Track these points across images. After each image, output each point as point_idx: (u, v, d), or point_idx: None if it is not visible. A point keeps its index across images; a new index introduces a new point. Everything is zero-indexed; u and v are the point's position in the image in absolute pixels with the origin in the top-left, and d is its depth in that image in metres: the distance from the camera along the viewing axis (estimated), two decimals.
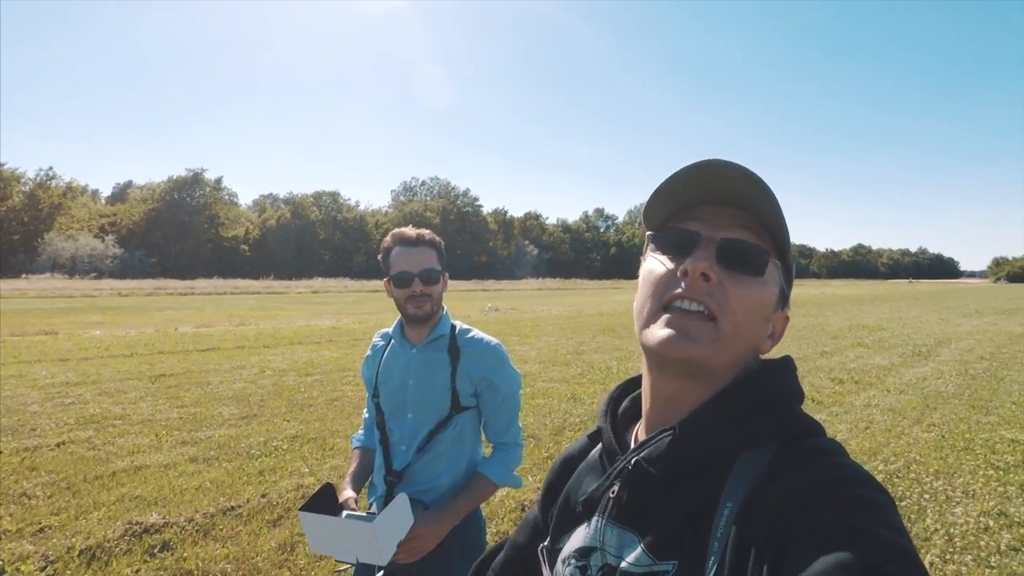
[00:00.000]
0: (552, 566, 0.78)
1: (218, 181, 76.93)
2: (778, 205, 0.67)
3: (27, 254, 57.01)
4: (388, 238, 1.79)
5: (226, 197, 78.96)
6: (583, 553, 0.73)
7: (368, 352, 1.93)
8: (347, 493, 1.71)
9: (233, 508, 3.88)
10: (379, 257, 1.81)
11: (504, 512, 3.85)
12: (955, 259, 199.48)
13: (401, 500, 1.54)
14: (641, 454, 0.68)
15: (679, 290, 0.65)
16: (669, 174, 0.67)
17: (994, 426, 6.11)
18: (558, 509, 0.83)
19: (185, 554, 3.30)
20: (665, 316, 0.65)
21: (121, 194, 78.52)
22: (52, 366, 9.04)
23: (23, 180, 62.65)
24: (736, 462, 0.62)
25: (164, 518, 3.68)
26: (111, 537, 3.42)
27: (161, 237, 68.07)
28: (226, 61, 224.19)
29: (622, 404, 0.80)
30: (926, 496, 4.31)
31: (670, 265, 0.67)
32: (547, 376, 8.67)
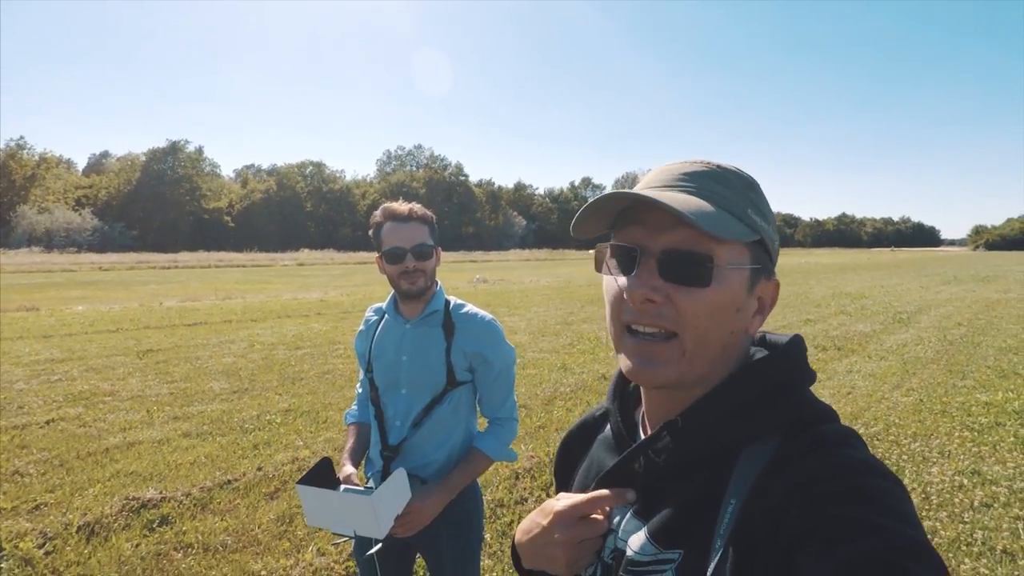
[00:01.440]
0: None
1: (199, 151, 75.39)
2: (723, 189, 0.65)
3: (1, 228, 55.70)
4: (378, 213, 1.77)
5: (208, 168, 77.49)
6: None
7: (361, 327, 1.92)
8: (347, 469, 1.72)
9: (230, 482, 3.92)
10: (370, 233, 1.79)
11: (499, 480, 3.93)
12: (936, 228, 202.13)
13: (399, 475, 1.56)
14: (650, 447, 0.68)
15: (633, 315, 0.64)
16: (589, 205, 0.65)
17: (970, 390, 6.30)
18: (577, 481, 0.84)
19: (184, 527, 3.34)
20: (628, 341, 0.65)
21: (97, 165, 76.61)
22: (36, 343, 8.94)
23: None
24: (742, 453, 0.62)
25: (161, 493, 3.71)
26: (109, 513, 3.45)
27: (141, 209, 66.81)
28: (206, 30, 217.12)
29: (632, 383, 0.80)
30: (904, 457, 4.47)
31: (619, 283, 0.66)
32: (537, 347, 8.74)
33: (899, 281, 22.55)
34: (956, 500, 3.72)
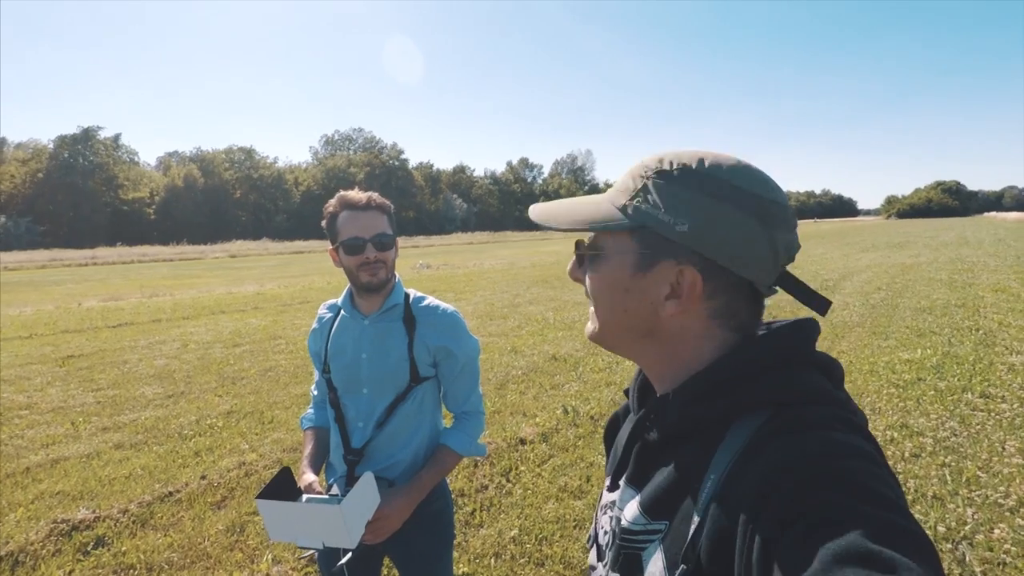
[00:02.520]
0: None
1: (116, 139, 70.42)
2: (626, 181, 0.72)
3: None
4: (333, 202, 1.66)
5: (125, 156, 72.54)
6: (612, 506, 0.76)
7: (314, 325, 1.81)
8: (307, 477, 1.63)
9: (171, 494, 3.69)
10: (323, 223, 1.68)
11: (458, 469, 3.87)
12: (854, 199, 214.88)
13: (367, 479, 1.48)
14: (644, 419, 0.72)
15: None
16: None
17: (893, 349, 6.76)
18: (609, 459, 0.88)
19: (124, 548, 3.11)
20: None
21: None
22: None
23: None
24: (728, 429, 0.62)
25: (94, 512, 3.44)
26: (35, 539, 3.17)
27: (50, 202, 61.95)
28: (119, 10, 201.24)
29: None
30: None
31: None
32: (486, 330, 8.69)
33: (824, 250, 23.81)
34: (889, 453, 3.97)
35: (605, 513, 0.78)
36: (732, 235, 0.64)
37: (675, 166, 0.67)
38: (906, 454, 3.94)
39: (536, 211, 0.79)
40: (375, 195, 1.67)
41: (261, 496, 1.41)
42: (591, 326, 0.76)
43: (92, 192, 64.71)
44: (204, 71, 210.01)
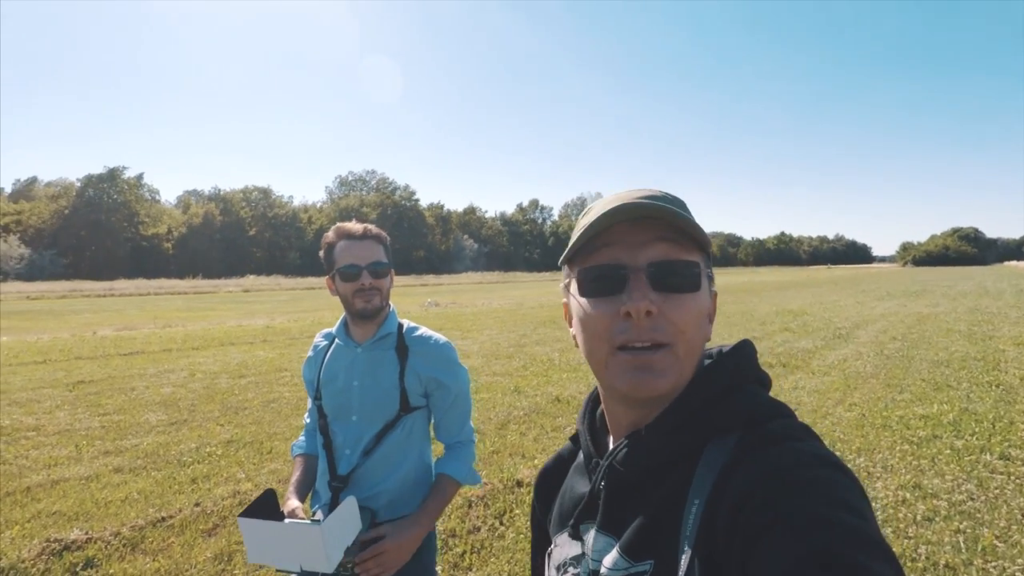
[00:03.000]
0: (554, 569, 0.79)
1: (138, 178, 72.70)
2: (679, 200, 0.70)
3: None
4: (331, 233, 1.71)
5: (147, 195, 74.66)
6: (576, 561, 0.73)
7: (309, 353, 1.84)
8: (292, 503, 1.62)
9: (164, 519, 3.67)
10: (321, 254, 1.73)
11: (451, 509, 3.80)
12: (868, 245, 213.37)
13: (349, 503, 1.48)
14: (614, 459, 0.69)
15: (628, 334, 0.64)
16: (589, 222, 0.67)
17: (908, 403, 6.49)
18: (555, 512, 0.83)
19: (111, 570, 3.09)
20: (624, 357, 0.64)
21: (24, 192, 72.60)
22: None
23: None
24: (701, 456, 0.62)
25: (87, 533, 3.44)
26: (27, 557, 3.17)
27: (75, 237, 63.58)
28: (142, 53, 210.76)
29: (600, 407, 0.80)
30: None
31: (607, 305, 0.66)
32: (490, 370, 8.67)
33: (837, 297, 23.57)
34: (900, 515, 3.74)
35: (564, 571, 0.75)
36: None
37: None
38: (918, 517, 3.70)
39: (635, 203, 0.65)
40: (371, 226, 1.72)
41: (244, 515, 1.42)
42: (668, 378, 0.64)
43: (114, 228, 66.50)
44: (225, 113, 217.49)
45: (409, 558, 1.57)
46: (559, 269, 0.74)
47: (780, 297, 24.75)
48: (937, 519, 3.70)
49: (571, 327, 0.74)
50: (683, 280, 0.65)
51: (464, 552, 3.36)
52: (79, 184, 68.84)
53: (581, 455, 0.82)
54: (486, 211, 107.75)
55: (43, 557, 3.19)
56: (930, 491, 4.13)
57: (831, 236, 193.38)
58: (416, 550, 1.68)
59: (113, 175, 69.65)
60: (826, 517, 0.49)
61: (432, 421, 1.78)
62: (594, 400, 0.82)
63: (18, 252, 56.03)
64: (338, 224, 1.73)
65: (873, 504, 3.91)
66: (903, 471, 4.53)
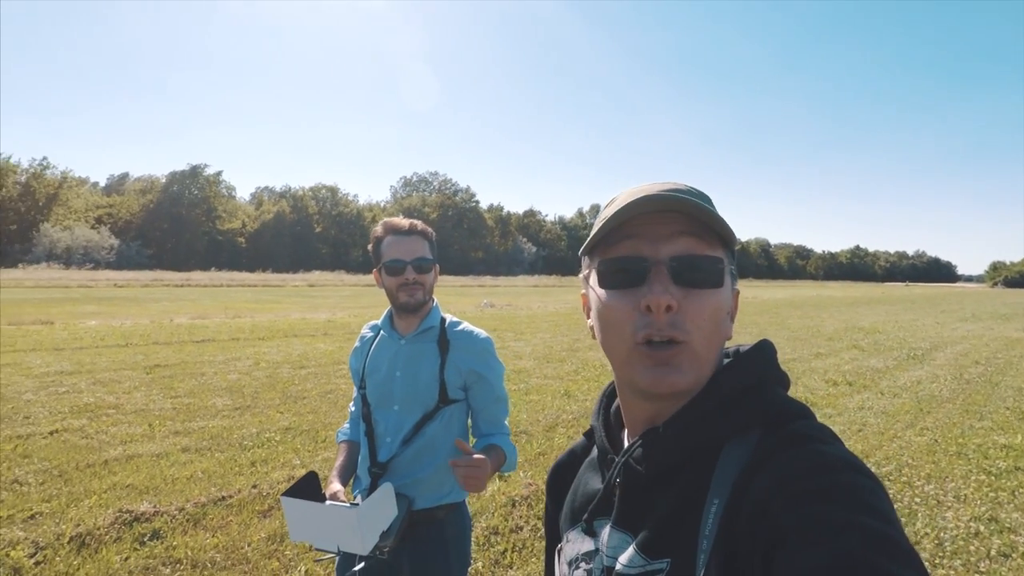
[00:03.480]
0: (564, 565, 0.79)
1: (217, 175, 76.94)
2: (704, 195, 0.69)
3: (23, 244, 56.83)
4: (379, 227, 1.77)
5: (224, 191, 78.90)
6: (589, 557, 0.73)
7: (356, 343, 1.90)
8: (334, 486, 1.69)
9: (224, 498, 3.88)
10: (369, 247, 1.79)
11: (494, 508, 3.85)
12: (952, 263, 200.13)
13: (385, 489, 1.53)
14: (630, 456, 0.68)
15: (647, 330, 0.63)
16: (611, 213, 0.66)
17: (988, 431, 6.09)
18: (567, 508, 0.83)
19: (175, 543, 3.29)
20: (645, 351, 0.64)
21: (117, 186, 78.23)
22: (47, 355, 9.02)
23: (19, 171, 62.35)
24: (720, 455, 0.62)
25: (155, 507, 3.68)
26: (101, 525, 3.42)
27: (158, 229, 67.98)
28: (224, 56, 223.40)
29: (615, 402, 0.79)
30: (917, 500, 4.30)
31: (627, 298, 0.65)
32: (541, 372, 8.67)
33: (914, 317, 22.24)
34: (972, 548, 3.54)
35: (576, 567, 0.74)
36: None
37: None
38: (992, 552, 3.49)
39: (648, 193, 0.65)
40: (418, 222, 1.77)
41: (286, 494, 1.49)
42: (687, 376, 0.64)
43: (193, 222, 70.60)
44: (300, 115, 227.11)
45: (484, 488, 1.56)
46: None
47: (851, 313, 23.57)
48: (1014, 556, 3.48)
49: (588, 318, 0.74)
50: (706, 276, 0.64)
51: (506, 550, 3.38)
52: (164, 180, 73.50)
53: (595, 451, 0.81)
54: (545, 215, 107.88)
55: (115, 526, 3.43)
56: (1008, 525, 3.87)
57: (911, 252, 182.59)
58: (451, 538, 1.73)
59: (195, 172, 73.91)
60: (853, 522, 0.48)
61: (470, 416, 1.81)
62: (608, 395, 0.81)
63: (109, 243, 60.31)
64: (386, 219, 1.79)
65: (941, 535, 3.74)
66: (978, 502, 4.25)
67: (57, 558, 3.08)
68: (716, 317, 0.65)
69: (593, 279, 0.70)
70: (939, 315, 23.48)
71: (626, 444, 0.74)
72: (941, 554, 3.51)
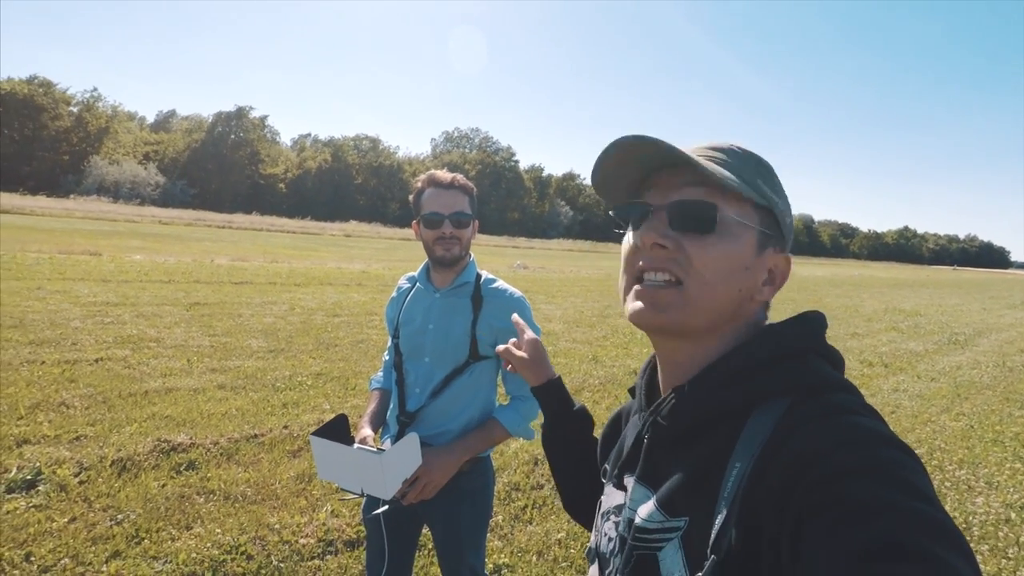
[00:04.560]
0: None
1: (263, 119, 77.42)
2: (743, 156, 0.69)
3: (75, 175, 58.77)
4: (422, 179, 1.76)
5: (268, 135, 79.58)
6: (618, 510, 0.74)
7: (393, 294, 1.92)
8: (364, 431, 1.73)
9: (256, 436, 4.02)
10: (410, 198, 1.78)
11: (517, 464, 3.91)
12: (1006, 248, 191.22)
13: (411, 439, 1.55)
14: (658, 413, 0.69)
15: (642, 262, 0.67)
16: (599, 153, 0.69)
17: None
18: (612, 460, 0.85)
19: (209, 474, 3.45)
20: (635, 288, 0.68)
21: (164, 123, 79.71)
22: (94, 285, 9.39)
23: (73, 102, 63.88)
24: (748, 419, 0.60)
25: (191, 439, 3.84)
26: (141, 451, 3.59)
27: (202, 169, 69.23)
28: (277, 8, 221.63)
29: None
30: (947, 484, 4.25)
31: (630, 238, 0.70)
32: (570, 336, 8.67)
33: (959, 301, 21.42)
34: (1000, 534, 3.52)
35: (607, 519, 0.76)
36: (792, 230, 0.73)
37: (765, 161, 0.71)
38: (1022, 539, 3.47)
39: (636, 138, 0.65)
40: (460, 176, 1.75)
41: (316, 434, 1.52)
42: (669, 314, 0.65)
43: (237, 164, 71.59)
44: (346, 64, 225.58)
45: (443, 483, 1.63)
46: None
47: (892, 295, 22.83)
48: None
49: None
50: (696, 221, 0.65)
51: (526, 506, 3.44)
52: (210, 120, 74.44)
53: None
54: (585, 179, 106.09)
55: (154, 454, 3.60)
56: None
57: (961, 235, 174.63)
58: (473, 491, 1.75)
59: (240, 114, 74.45)
60: (893, 501, 0.46)
61: (500, 373, 1.80)
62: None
63: (155, 180, 61.89)
64: (430, 171, 1.77)
65: (970, 519, 3.70)
66: (1010, 489, 4.21)
67: (99, 479, 3.26)
68: (720, 266, 0.65)
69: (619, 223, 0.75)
70: (987, 301, 22.57)
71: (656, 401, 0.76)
72: (969, 537, 3.48)
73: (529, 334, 1.14)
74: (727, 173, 0.65)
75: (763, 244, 0.68)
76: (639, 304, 0.67)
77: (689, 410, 0.65)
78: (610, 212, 0.74)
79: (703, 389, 0.65)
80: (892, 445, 0.52)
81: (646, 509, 0.66)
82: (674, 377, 0.70)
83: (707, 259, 0.64)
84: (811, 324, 0.67)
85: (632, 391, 0.85)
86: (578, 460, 1.00)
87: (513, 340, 1.15)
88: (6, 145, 55.75)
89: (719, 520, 0.56)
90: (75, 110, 63.64)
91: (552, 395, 1.04)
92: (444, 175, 1.73)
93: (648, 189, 0.70)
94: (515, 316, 1.23)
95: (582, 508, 0.97)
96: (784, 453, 0.54)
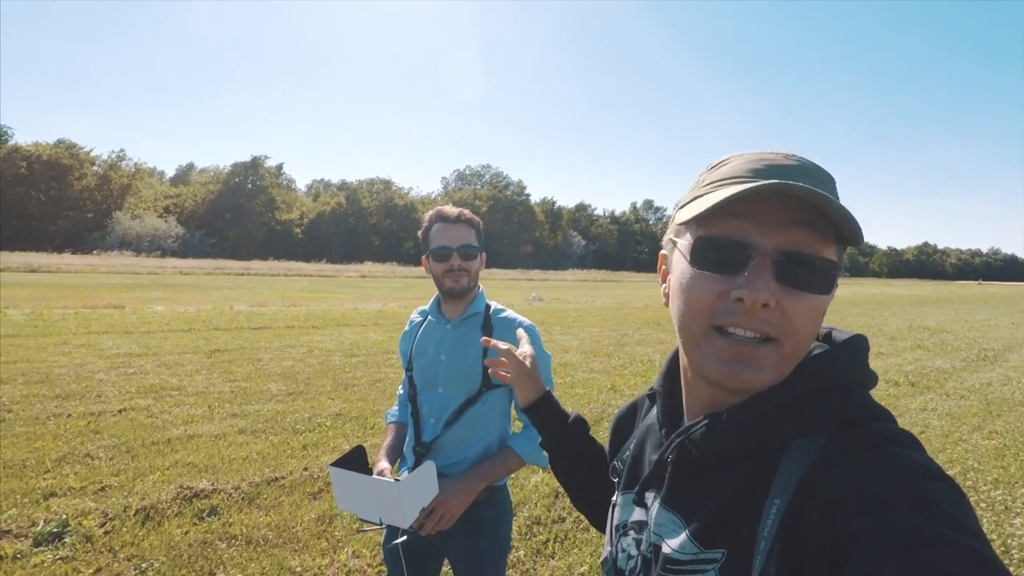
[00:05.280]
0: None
1: (278, 167, 79.60)
2: (830, 177, 0.62)
3: (99, 232, 60.55)
4: (429, 215, 1.83)
5: (284, 183, 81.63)
6: (639, 527, 0.72)
7: (406, 327, 1.97)
8: (381, 464, 1.76)
9: (277, 479, 4.04)
10: (419, 233, 1.85)
11: (537, 498, 3.87)
12: None
13: (428, 467, 1.57)
14: (688, 436, 0.65)
15: (734, 318, 0.58)
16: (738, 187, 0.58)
17: None
18: (627, 465, 0.82)
19: (231, 519, 3.46)
20: (721, 342, 0.60)
21: (183, 176, 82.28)
22: (118, 338, 9.58)
23: (97, 161, 66.30)
24: (786, 451, 0.58)
25: (213, 484, 3.86)
26: (164, 499, 3.62)
27: (221, 219, 71.00)
28: (286, 53, 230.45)
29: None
30: (983, 505, 4.11)
31: (717, 283, 0.59)
32: (587, 367, 8.63)
33: (986, 316, 20.94)
34: None
35: (626, 534, 0.73)
36: None
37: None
38: None
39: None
40: (466, 211, 1.82)
41: (335, 464, 1.56)
42: (765, 375, 0.59)
43: (254, 212, 73.38)
44: (356, 109, 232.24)
45: (459, 513, 1.64)
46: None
47: (916, 312, 22.40)
48: None
49: (663, 282, 0.70)
50: (816, 280, 0.58)
51: (547, 540, 3.39)
52: (227, 171, 76.67)
53: (653, 414, 0.79)
54: (596, 209, 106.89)
55: (177, 501, 3.63)
56: None
57: (984, 249, 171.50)
58: (489, 521, 1.75)
59: (256, 163, 76.77)
60: (938, 534, 0.45)
61: (513, 402, 1.82)
62: (675, 359, 0.77)
63: (175, 231, 63.60)
64: (437, 207, 1.84)
65: (1008, 541, 3.57)
66: None
67: (124, 528, 3.29)
68: (813, 318, 0.59)
69: (683, 247, 0.64)
70: (1015, 315, 22.02)
71: (685, 420, 0.72)
72: (1007, 561, 3.35)
73: (527, 347, 1.17)
74: (856, 221, 0.56)
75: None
76: (737, 367, 0.59)
77: (726, 441, 0.62)
78: (676, 230, 0.66)
79: (742, 421, 0.61)
80: (937, 479, 0.51)
81: (677, 541, 0.63)
82: (711, 403, 0.65)
83: (805, 316, 0.58)
84: (857, 352, 0.64)
85: (652, 396, 0.81)
86: (583, 474, 1.00)
87: (512, 345, 1.17)
88: (34, 206, 57.86)
89: (759, 560, 0.54)
90: (99, 169, 65.98)
91: (548, 412, 1.06)
92: (451, 210, 1.80)
93: (732, 216, 0.59)
94: (519, 330, 1.28)
95: (590, 505, 0.97)
96: (824, 487, 0.53)
